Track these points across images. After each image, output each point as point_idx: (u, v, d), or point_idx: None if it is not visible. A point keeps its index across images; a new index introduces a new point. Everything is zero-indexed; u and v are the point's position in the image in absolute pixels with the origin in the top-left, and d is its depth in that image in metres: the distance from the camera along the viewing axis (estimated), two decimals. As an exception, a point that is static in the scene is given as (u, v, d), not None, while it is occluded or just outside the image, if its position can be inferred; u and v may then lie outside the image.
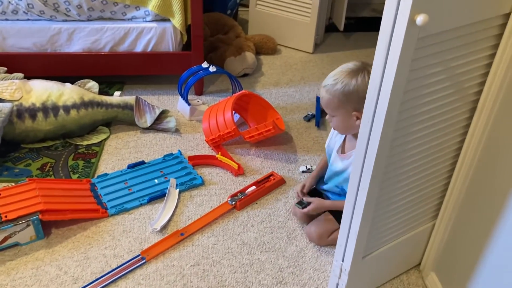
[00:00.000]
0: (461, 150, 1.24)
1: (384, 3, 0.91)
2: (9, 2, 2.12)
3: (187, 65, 2.24)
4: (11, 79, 2.01)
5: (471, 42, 1.03)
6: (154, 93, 2.41)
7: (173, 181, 1.79)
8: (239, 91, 2.19)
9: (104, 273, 1.47)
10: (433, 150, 1.20)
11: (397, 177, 1.17)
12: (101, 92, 2.20)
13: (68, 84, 2.04)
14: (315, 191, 1.67)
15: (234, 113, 2.14)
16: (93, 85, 2.12)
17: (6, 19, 2.16)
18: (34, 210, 1.53)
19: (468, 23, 0.98)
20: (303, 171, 1.91)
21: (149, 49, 2.26)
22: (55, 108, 1.94)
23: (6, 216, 1.49)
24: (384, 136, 1.02)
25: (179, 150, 1.99)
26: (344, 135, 1.52)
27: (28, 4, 2.13)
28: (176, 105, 2.31)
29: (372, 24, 3.23)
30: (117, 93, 2.20)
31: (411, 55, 0.93)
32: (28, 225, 1.52)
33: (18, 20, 2.17)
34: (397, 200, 1.24)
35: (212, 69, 2.14)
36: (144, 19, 2.23)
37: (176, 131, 2.13)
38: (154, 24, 2.22)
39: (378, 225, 1.25)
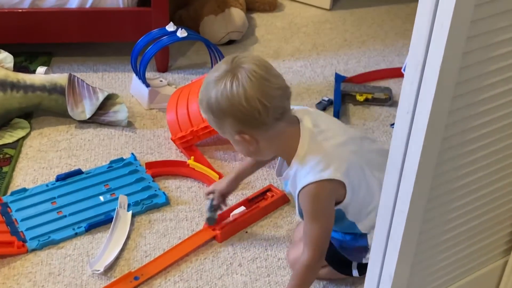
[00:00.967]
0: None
1: None
2: None
3: (145, 28, 2.23)
4: None
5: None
6: (96, 69, 2.40)
7: (123, 200, 1.78)
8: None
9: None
10: (505, 153, 1.20)
11: (450, 193, 1.17)
12: (17, 68, 2.19)
13: (-33, 57, 2.05)
14: None
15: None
16: (5, 57, 2.11)
17: None
18: None
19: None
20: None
21: (88, 5, 2.26)
22: None
23: None
24: (432, 131, 1.02)
25: (132, 154, 1.98)
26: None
27: None
28: (129, 87, 2.31)
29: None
30: (41, 69, 2.18)
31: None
32: None
33: None
34: (450, 228, 1.24)
35: (182, 33, 2.14)
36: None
37: (128, 125, 2.13)
38: (95, -32, 2.23)
39: (422, 265, 1.25)
